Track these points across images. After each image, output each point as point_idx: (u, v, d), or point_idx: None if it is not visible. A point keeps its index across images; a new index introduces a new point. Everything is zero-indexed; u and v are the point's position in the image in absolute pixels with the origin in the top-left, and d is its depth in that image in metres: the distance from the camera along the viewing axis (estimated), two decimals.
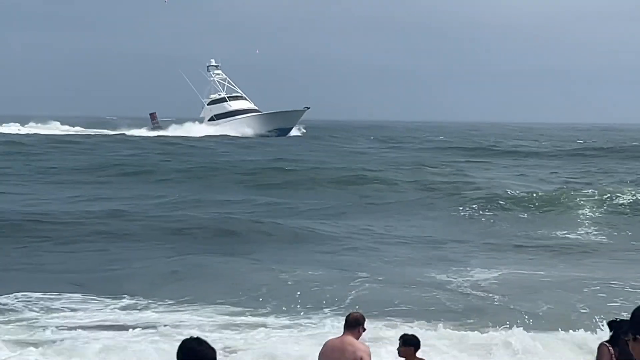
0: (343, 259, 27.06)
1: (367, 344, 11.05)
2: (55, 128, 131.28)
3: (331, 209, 39.59)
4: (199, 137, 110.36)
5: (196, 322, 18.68)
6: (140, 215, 35.11)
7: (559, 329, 17.88)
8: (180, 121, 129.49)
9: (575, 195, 41.23)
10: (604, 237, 33.23)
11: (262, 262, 26.02)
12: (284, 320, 19.16)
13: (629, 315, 11.69)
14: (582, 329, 17.93)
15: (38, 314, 19.31)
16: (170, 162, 62.04)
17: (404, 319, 19.09)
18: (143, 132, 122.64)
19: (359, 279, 23.38)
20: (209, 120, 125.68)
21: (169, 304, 20.41)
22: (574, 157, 77.55)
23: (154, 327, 17.99)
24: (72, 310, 19.70)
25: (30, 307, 19.83)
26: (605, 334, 15.75)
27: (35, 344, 16.52)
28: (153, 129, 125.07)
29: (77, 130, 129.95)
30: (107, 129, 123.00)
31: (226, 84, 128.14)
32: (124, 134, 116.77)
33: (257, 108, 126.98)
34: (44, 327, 17.91)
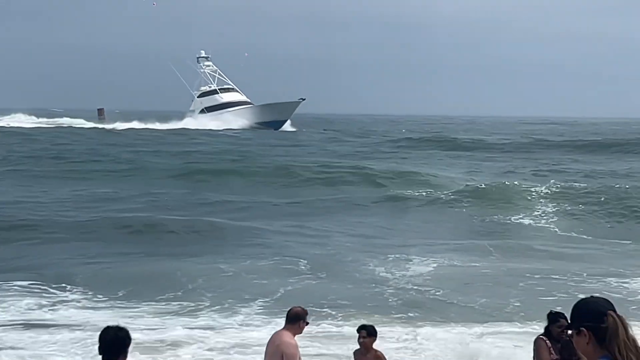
0: (275, 254, 26.29)
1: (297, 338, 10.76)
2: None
3: (258, 205, 38.56)
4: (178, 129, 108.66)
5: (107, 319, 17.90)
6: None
7: (493, 322, 17.64)
8: (168, 115, 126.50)
9: (519, 189, 41.27)
10: (548, 230, 33.09)
11: (193, 258, 25.23)
12: (214, 315, 18.60)
13: (559, 309, 11.36)
14: (517, 322, 17.68)
15: None
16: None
17: (338, 312, 18.57)
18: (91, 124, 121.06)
19: (296, 275, 22.98)
20: (199, 112, 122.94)
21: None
22: (519, 151, 77.69)
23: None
24: None
25: None
26: (539, 327, 15.59)
27: None
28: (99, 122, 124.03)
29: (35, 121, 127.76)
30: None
31: (217, 75, 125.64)
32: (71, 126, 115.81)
33: (249, 100, 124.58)
34: None
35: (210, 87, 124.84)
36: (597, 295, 4.55)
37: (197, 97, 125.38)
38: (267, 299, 19.98)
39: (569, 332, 4.51)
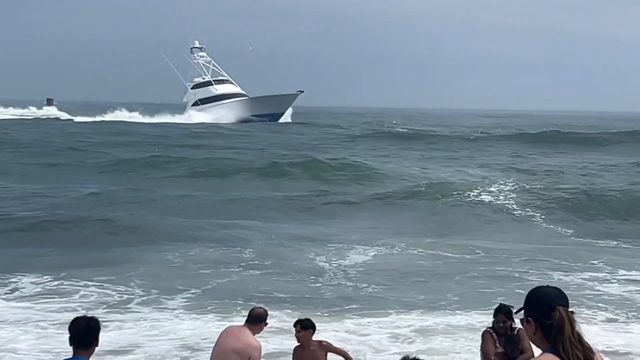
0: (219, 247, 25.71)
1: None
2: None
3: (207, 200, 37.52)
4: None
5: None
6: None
7: (433, 314, 17.33)
8: (160, 107, 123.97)
9: (470, 183, 41.19)
10: (500, 224, 32.67)
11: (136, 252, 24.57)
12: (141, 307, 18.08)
13: (502, 302, 11.06)
14: (460, 315, 17.35)
15: None
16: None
17: (275, 306, 18.03)
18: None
19: (233, 268, 22.39)
20: (192, 105, 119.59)
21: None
22: (474, 143, 76.98)
23: None
24: None
25: None
26: (483, 319, 15.29)
27: None
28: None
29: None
30: None
31: (211, 66, 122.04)
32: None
33: (244, 92, 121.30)
34: None
35: (204, 78, 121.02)
36: (551, 286, 4.49)
37: (191, 88, 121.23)
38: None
39: (517, 320, 4.68)
